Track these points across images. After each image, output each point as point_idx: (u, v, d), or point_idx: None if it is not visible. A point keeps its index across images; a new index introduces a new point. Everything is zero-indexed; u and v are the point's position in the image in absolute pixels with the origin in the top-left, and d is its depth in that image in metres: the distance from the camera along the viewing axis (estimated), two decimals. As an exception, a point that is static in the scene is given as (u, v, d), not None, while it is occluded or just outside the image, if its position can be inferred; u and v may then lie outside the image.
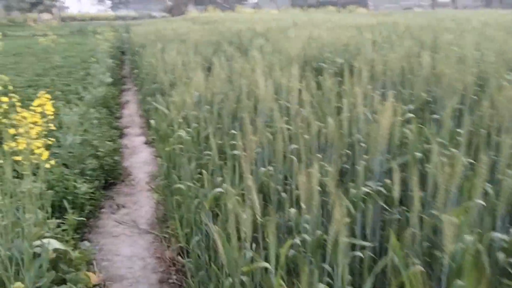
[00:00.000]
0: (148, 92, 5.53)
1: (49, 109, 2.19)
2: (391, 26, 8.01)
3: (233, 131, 2.61)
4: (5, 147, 2.19)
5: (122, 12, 64.25)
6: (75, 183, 3.14)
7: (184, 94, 3.23)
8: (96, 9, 68.89)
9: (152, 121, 3.06)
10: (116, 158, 4.22)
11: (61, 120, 4.72)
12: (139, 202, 3.75)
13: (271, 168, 2.28)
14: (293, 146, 2.39)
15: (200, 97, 3.18)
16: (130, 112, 7.30)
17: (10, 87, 2.69)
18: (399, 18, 12.52)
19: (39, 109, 2.17)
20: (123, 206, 3.66)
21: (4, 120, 2.30)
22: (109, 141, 4.56)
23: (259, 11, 41.53)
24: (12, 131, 2.10)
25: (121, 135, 5.83)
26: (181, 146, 2.60)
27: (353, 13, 32.67)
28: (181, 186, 2.45)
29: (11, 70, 10.20)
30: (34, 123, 2.12)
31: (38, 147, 2.14)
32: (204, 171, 2.25)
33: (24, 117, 2.09)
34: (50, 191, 2.80)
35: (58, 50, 15.08)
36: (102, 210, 3.58)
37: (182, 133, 2.66)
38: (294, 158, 2.23)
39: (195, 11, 45.40)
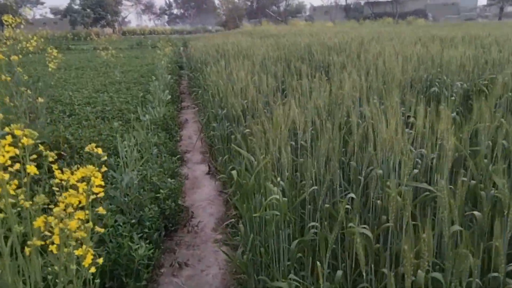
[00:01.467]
0: (213, 116, 4.86)
1: (97, 182, 1.46)
2: (483, 40, 6.88)
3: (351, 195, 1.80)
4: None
5: (178, 26, 66.03)
6: (131, 243, 2.45)
7: (267, 129, 2.47)
8: (153, 23, 71.30)
9: (233, 173, 2.33)
10: (178, 200, 3.53)
11: (115, 152, 4.15)
12: (205, 260, 3.01)
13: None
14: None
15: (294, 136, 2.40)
16: (189, 133, 6.70)
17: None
18: (478, 31, 11.19)
19: (82, 186, 1.45)
20: (186, 265, 2.93)
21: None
22: (170, 175, 3.90)
23: (312, 24, 40.73)
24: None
25: (181, 162, 5.19)
26: (276, 213, 1.84)
27: (413, 25, 30.98)
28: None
29: (71, 85, 10.09)
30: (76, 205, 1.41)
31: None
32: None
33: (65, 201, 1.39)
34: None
35: (118, 64, 15.14)
36: (162, 270, 2.87)
37: (273, 189, 1.89)
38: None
39: (249, 25, 45.50)
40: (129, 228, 2.73)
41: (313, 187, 1.93)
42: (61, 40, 28.54)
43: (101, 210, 1.43)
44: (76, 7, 38.66)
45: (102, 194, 1.41)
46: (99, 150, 1.66)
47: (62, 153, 4.51)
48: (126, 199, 2.96)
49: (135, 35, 43.77)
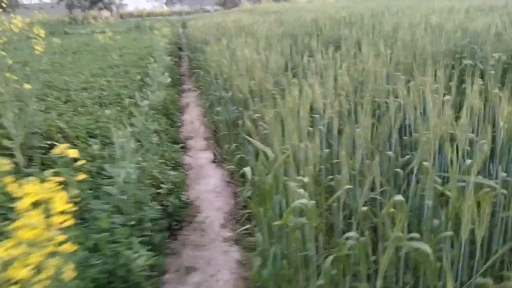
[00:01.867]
0: (217, 100, 4.46)
1: (59, 207, 1.07)
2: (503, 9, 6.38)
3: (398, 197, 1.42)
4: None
5: (177, 7, 64.66)
6: (129, 251, 2.10)
7: (285, 115, 2.08)
8: (151, 5, 69.98)
9: (247, 170, 1.95)
10: (182, 194, 3.17)
11: (112, 141, 3.77)
12: (215, 262, 2.67)
13: None
14: None
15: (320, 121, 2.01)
16: (191, 118, 6.31)
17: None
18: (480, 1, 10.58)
19: (36, 215, 1.06)
20: (194, 269, 2.60)
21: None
22: (173, 166, 3.54)
23: (313, 1, 39.66)
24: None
25: (183, 148, 4.83)
26: (304, 221, 1.47)
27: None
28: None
29: (68, 70, 9.65)
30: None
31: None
32: None
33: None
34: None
35: (116, 47, 14.61)
36: (166, 276, 2.53)
37: (298, 191, 1.52)
38: None
39: (248, 3, 44.37)
40: (128, 231, 2.38)
41: (346, 186, 1.56)
42: (58, 25, 27.84)
43: (67, 248, 1.04)
44: (72, -10, 37.70)
45: (70, 222, 1.03)
46: (73, 153, 1.29)
47: (55, 143, 4.15)
48: (123, 196, 2.60)
49: (133, 18, 42.84)
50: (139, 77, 8.18)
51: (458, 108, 2.45)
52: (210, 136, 5.17)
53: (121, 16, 46.38)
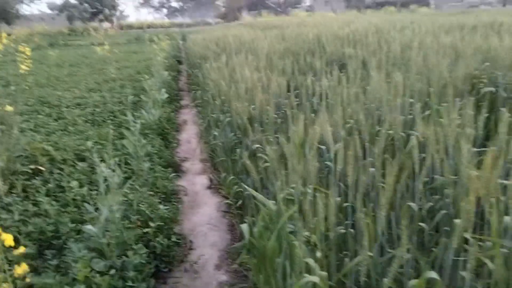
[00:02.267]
0: (214, 122, 4.18)
1: None
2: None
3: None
4: None
5: (178, 19, 64.95)
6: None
7: (289, 154, 1.79)
8: (153, 17, 70.35)
9: (244, 227, 1.66)
10: (173, 234, 2.86)
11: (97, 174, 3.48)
12: (208, 313, 2.36)
13: None
14: None
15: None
16: (188, 136, 6.03)
17: None
18: (490, 17, 10.40)
19: None
20: (184, 323, 2.28)
21: None
22: (164, 197, 3.24)
23: (313, 14, 39.76)
24: None
25: (178, 171, 4.53)
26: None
27: (417, 13, 30.00)
28: None
29: (63, 84, 9.40)
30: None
31: None
32: None
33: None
34: None
35: (114, 59, 14.41)
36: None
37: (309, 263, 1.22)
38: None
39: (249, 16, 44.54)
40: (107, 282, 2.07)
41: (363, 255, 1.26)
42: (58, 36, 27.74)
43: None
44: (73, 1, 37.79)
45: None
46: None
47: (39, 167, 3.86)
48: (104, 239, 2.30)
49: (134, 29, 42.91)
50: (135, 92, 7.93)
51: (480, 144, 2.16)
52: (207, 158, 4.87)
53: (122, 28, 46.46)
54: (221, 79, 4.22)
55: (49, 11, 44.29)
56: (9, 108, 3.42)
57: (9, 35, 26.55)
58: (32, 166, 3.81)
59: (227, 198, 3.66)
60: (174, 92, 8.29)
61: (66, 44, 23.65)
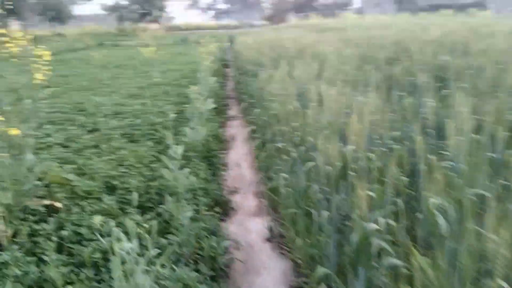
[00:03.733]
0: (276, 151, 3.17)
1: None
2: None
3: None
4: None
5: (224, 21, 64.86)
6: None
7: None
8: (200, 19, 70.84)
9: None
10: None
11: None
12: None
13: None
14: None
15: None
16: (238, 157, 5.07)
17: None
18: None
19: None
20: None
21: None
22: (211, 271, 2.27)
23: (363, 16, 37.94)
24: None
25: (226, 210, 3.57)
26: None
27: (478, 17, 27.68)
28: None
29: (105, 88, 8.78)
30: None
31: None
32: None
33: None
34: None
35: (160, 61, 13.83)
36: None
37: None
38: None
39: (295, 18, 43.33)
40: None
41: None
42: (107, 36, 27.93)
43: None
44: (124, 2, 38.28)
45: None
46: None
47: (55, 204, 3.03)
48: None
49: (181, 31, 42.96)
50: (179, 101, 7.10)
51: None
52: (262, 192, 3.87)
53: (169, 29, 46.73)
54: (287, 97, 3.22)
55: (101, 12, 45.28)
56: (14, 131, 2.57)
57: (61, 34, 27.04)
58: (47, 202, 2.98)
59: (297, 264, 2.63)
60: (221, 102, 7.38)
61: (114, 44, 23.63)
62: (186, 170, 3.54)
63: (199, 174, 3.72)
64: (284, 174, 2.73)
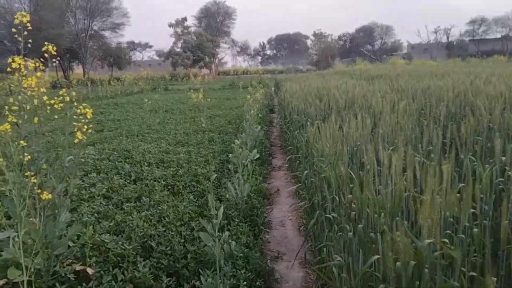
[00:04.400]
0: (327, 223, 2.79)
1: None
2: None
3: None
4: None
5: (271, 66, 66.47)
6: None
7: None
8: (248, 64, 73.10)
9: None
10: None
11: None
12: None
13: None
14: None
15: None
16: (282, 215, 4.69)
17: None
18: None
19: None
20: None
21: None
22: None
23: (411, 62, 37.27)
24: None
25: (269, 283, 3.17)
26: None
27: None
28: None
29: (153, 134, 8.85)
30: None
31: None
32: None
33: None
34: None
35: (207, 106, 14.00)
36: None
37: None
38: None
39: (341, 64, 43.43)
40: None
41: None
42: (160, 81, 29.22)
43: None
44: (178, 49, 40.28)
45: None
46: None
47: (87, 270, 2.80)
48: None
49: (230, 75, 44.31)
50: (224, 149, 6.93)
51: None
52: (310, 262, 3.45)
53: (219, 74, 48.39)
54: (338, 157, 2.87)
55: (156, 58, 47.91)
56: (46, 196, 2.39)
57: (118, 79, 28.66)
58: (78, 267, 2.76)
59: None
60: (265, 151, 7.11)
61: (166, 89, 24.58)
62: (226, 233, 3.23)
63: (240, 238, 3.38)
64: (338, 257, 2.32)
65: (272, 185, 5.80)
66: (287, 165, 6.67)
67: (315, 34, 47.81)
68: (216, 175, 3.15)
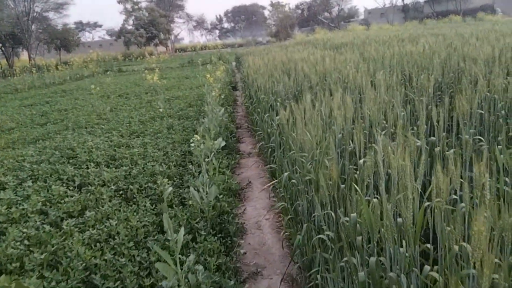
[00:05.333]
0: (316, 243, 2.15)
1: None
2: None
3: None
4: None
5: (229, 39, 64.61)
6: None
7: None
8: (205, 38, 70.85)
9: None
10: None
11: None
12: None
13: None
14: None
15: None
16: (256, 214, 4.07)
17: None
18: None
19: None
20: None
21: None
22: None
23: (370, 28, 36.99)
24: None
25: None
26: None
27: (488, 23, 26.41)
28: None
29: (104, 124, 7.85)
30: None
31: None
32: None
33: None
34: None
35: (166, 87, 12.98)
36: None
37: None
38: None
39: (301, 34, 42.61)
40: None
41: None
42: (112, 62, 27.36)
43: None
44: (130, 27, 38.01)
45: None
46: None
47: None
48: None
49: (188, 52, 42.56)
50: (186, 137, 6.15)
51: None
52: (297, 274, 2.85)
53: (176, 51, 46.39)
54: (324, 150, 2.23)
55: (108, 38, 45.29)
56: None
57: (66, 63, 26.57)
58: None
59: None
60: (230, 136, 6.40)
61: (120, 70, 22.97)
62: (191, 258, 2.55)
63: (209, 262, 2.71)
64: (330, 276, 1.70)
65: (243, 176, 5.14)
66: (257, 151, 6.01)
67: (272, 4, 46.43)
68: (171, 188, 2.45)
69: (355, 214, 1.69)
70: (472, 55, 4.29)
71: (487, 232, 1.27)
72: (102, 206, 3.79)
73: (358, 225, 1.73)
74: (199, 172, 3.85)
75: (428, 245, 1.62)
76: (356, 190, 1.89)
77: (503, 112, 2.91)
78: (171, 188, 2.42)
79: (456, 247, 1.48)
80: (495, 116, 2.98)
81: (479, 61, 3.85)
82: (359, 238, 1.65)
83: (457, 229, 1.53)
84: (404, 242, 1.54)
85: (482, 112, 3.04)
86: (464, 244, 1.46)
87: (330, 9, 50.41)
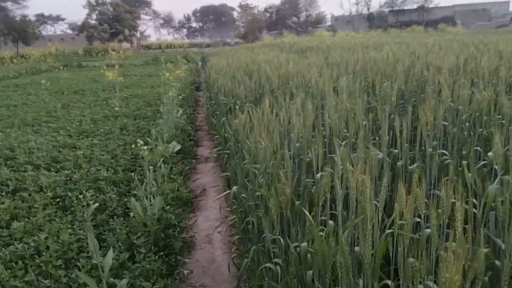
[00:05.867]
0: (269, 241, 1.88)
1: None
2: None
3: None
4: None
5: (197, 39, 63.72)
6: None
7: None
8: (173, 37, 69.59)
9: None
10: None
11: None
12: None
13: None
14: None
15: None
16: (208, 226, 3.75)
17: None
18: None
19: None
20: None
21: None
22: None
23: (335, 34, 37.53)
24: None
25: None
26: None
27: (449, 33, 27.37)
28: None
29: (52, 122, 7.27)
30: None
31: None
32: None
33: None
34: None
35: (126, 84, 12.40)
36: None
37: None
38: None
39: (269, 36, 42.62)
40: None
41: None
42: (72, 57, 26.11)
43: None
44: (93, 22, 36.60)
45: None
46: None
47: None
48: None
49: (153, 49, 41.49)
50: (139, 138, 5.72)
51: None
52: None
53: (141, 47, 45.11)
54: (279, 158, 1.97)
55: (70, 32, 43.51)
56: None
57: (23, 56, 25.08)
58: None
59: None
60: (188, 140, 6.04)
61: (80, 65, 21.90)
62: (122, 283, 2.21)
63: (152, 269, 2.37)
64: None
65: (198, 183, 4.80)
66: (216, 156, 5.69)
67: (241, 6, 46.19)
68: (97, 204, 2.10)
69: (305, 244, 1.42)
70: (436, 63, 4.20)
71: (459, 276, 1.04)
72: (34, 216, 3.35)
73: (309, 254, 1.47)
74: (143, 180, 3.49)
75: (389, 282, 1.38)
76: (310, 212, 1.63)
77: (467, 124, 2.76)
78: (96, 204, 2.07)
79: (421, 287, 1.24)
80: (459, 128, 2.83)
81: (443, 70, 3.74)
82: (310, 272, 1.39)
83: (423, 263, 1.30)
84: (361, 277, 1.29)
85: (446, 123, 2.89)
86: (430, 284, 1.22)
87: (298, 14, 50.84)
